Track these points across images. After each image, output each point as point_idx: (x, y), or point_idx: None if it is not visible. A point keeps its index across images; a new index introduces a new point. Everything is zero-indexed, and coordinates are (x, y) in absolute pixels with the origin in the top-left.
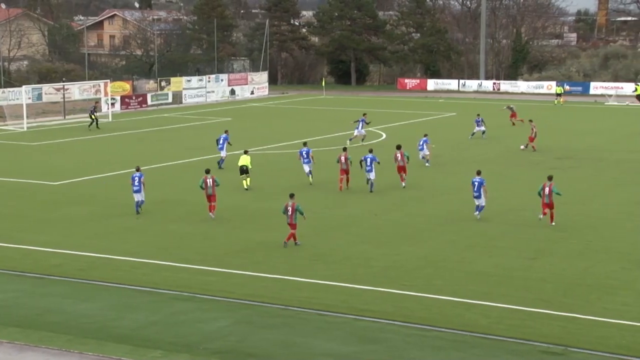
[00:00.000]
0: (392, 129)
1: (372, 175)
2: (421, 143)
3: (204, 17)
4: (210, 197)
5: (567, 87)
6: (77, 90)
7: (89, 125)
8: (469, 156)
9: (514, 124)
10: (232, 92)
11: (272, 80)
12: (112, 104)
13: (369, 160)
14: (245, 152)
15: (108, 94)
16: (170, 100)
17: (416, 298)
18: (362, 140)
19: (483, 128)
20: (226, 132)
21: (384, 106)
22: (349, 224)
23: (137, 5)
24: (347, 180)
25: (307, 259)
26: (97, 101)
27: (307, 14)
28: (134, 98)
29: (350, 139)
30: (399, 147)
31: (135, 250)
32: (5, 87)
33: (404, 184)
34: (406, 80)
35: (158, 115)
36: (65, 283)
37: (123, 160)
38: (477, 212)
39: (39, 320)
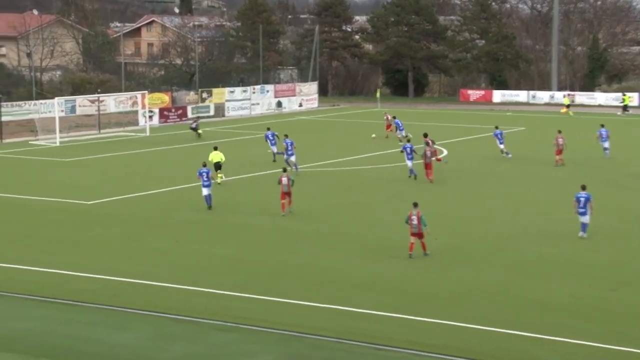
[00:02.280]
0: (454, 145)
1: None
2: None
3: (249, 23)
4: (285, 195)
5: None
6: (113, 102)
7: (198, 136)
8: (533, 173)
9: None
10: (279, 104)
11: (322, 92)
12: (150, 117)
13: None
14: (215, 148)
15: (146, 106)
16: (212, 112)
17: (475, 331)
18: (400, 141)
19: (502, 146)
20: (268, 129)
21: (445, 120)
22: (399, 248)
23: (177, 10)
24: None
25: (353, 285)
26: (198, 117)
27: (361, 19)
28: (173, 110)
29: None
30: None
31: (168, 274)
32: (37, 99)
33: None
34: (469, 92)
35: (204, 128)
36: (97, 310)
37: (160, 177)
38: (583, 232)
39: (69, 350)
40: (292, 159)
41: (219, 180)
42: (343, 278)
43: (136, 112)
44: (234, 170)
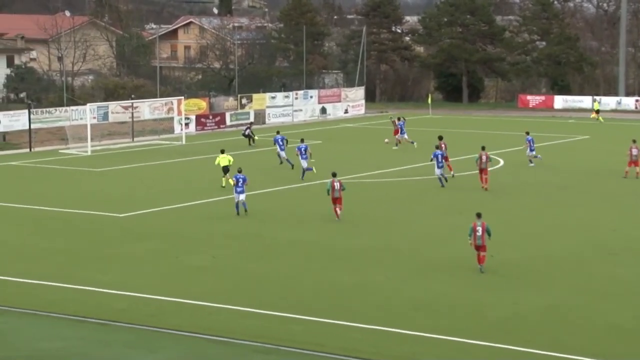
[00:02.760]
0: (512, 155)
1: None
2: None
3: (292, 25)
4: (336, 200)
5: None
6: (147, 109)
7: (250, 143)
8: (599, 185)
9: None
10: (323, 110)
11: (370, 97)
12: (186, 124)
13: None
14: (222, 152)
15: (182, 112)
16: (251, 119)
17: (542, 357)
18: (396, 145)
19: (534, 152)
20: (278, 132)
21: (502, 127)
22: (454, 264)
23: (215, 11)
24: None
25: (406, 306)
26: (251, 123)
27: (411, 19)
28: (210, 117)
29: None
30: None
31: (208, 293)
32: (68, 105)
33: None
34: (528, 97)
35: (238, 137)
36: (132, 330)
37: (196, 188)
38: None
39: None
40: (304, 164)
41: (224, 184)
42: (398, 297)
43: (172, 119)
44: (274, 181)
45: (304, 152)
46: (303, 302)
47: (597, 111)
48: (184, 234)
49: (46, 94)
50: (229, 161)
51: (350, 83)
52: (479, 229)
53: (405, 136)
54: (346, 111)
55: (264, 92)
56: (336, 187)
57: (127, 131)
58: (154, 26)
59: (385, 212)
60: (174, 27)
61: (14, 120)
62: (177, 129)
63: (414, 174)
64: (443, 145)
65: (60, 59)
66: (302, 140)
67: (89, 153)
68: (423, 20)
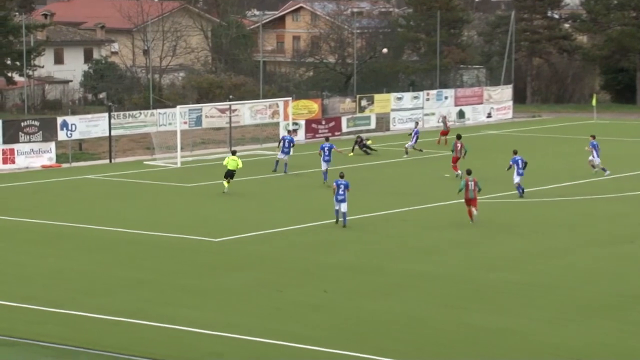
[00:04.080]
0: None
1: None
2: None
3: (423, 10)
4: (470, 201)
5: None
6: (248, 112)
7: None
8: None
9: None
10: (461, 114)
11: (519, 98)
12: (294, 131)
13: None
14: (234, 153)
15: (289, 117)
16: (373, 125)
17: None
18: (406, 153)
19: (597, 159)
20: (289, 132)
21: None
22: (613, 305)
23: None
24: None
25: (560, 356)
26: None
27: (572, 2)
28: (323, 123)
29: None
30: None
31: (319, 335)
32: (155, 107)
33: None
34: None
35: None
36: None
37: (305, 209)
38: None
39: None
40: (324, 166)
41: (225, 189)
42: (546, 346)
43: (277, 124)
44: (394, 200)
45: (327, 153)
46: (434, 349)
47: None
48: (290, 264)
49: (129, 95)
50: (237, 165)
51: (494, 81)
52: (471, 183)
53: (411, 143)
54: (489, 115)
55: (388, 92)
56: (470, 187)
57: (223, 139)
58: (256, 13)
59: (531, 240)
60: (281, 14)
61: (92, 126)
62: (282, 135)
63: (573, 193)
64: (459, 145)
65: (146, 52)
66: (327, 139)
67: (179, 165)
68: (587, 4)
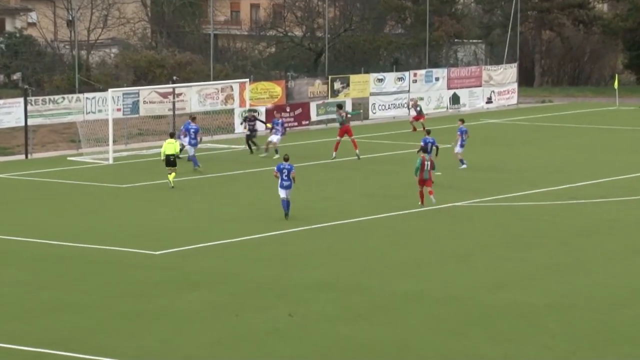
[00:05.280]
0: None
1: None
2: None
3: None
4: (425, 182)
5: None
6: (196, 97)
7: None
8: None
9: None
10: (455, 99)
11: (525, 80)
12: (253, 118)
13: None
14: (172, 135)
15: (246, 102)
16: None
17: None
18: (277, 151)
19: (459, 148)
20: (193, 118)
21: None
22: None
23: None
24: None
25: None
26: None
27: None
28: (288, 110)
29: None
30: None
31: None
32: (81, 91)
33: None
34: None
35: (329, 138)
36: None
37: (265, 215)
38: None
39: None
40: (192, 151)
41: (171, 184)
42: None
43: (231, 112)
44: (378, 205)
45: (193, 136)
46: None
47: None
48: (247, 281)
49: (50, 75)
50: (175, 150)
51: (496, 59)
52: (427, 163)
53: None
54: (489, 100)
55: (367, 72)
56: (426, 167)
57: (165, 129)
58: None
59: (542, 252)
60: None
61: (4, 114)
62: (239, 126)
63: (604, 193)
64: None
65: (70, 23)
66: (193, 119)
67: (111, 162)
68: None
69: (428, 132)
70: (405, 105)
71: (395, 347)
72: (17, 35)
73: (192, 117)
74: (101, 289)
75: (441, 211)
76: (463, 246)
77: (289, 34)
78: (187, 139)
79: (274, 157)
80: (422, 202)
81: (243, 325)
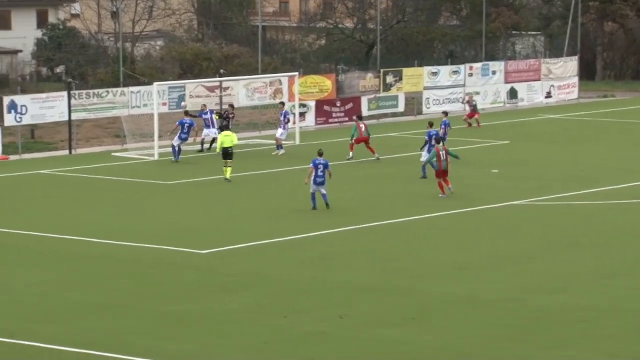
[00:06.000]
0: None
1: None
2: None
3: None
4: (444, 173)
5: None
6: (244, 92)
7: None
8: None
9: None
10: (513, 93)
11: (587, 74)
12: (302, 115)
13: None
14: (227, 128)
15: (295, 96)
16: (401, 108)
17: None
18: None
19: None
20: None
21: None
22: None
23: None
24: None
25: None
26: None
27: None
28: (339, 105)
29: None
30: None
31: None
32: (126, 85)
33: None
34: None
35: (380, 134)
36: None
37: (311, 212)
38: None
39: None
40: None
41: (228, 175)
42: None
43: (281, 106)
44: (416, 204)
45: (185, 130)
46: None
47: None
48: (292, 283)
49: (94, 69)
50: (232, 142)
51: (555, 51)
52: (443, 153)
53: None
54: (549, 95)
55: (421, 65)
56: (442, 157)
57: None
58: None
59: (600, 254)
60: None
61: (47, 108)
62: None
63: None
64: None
65: (115, 15)
66: (186, 113)
67: (157, 157)
68: None
69: (431, 125)
70: (461, 101)
71: (447, 352)
72: (61, 27)
73: (186, 112)
74: (142, 289)
75: (495, 211)
76: (518, 247)
77: (340, 25)
78: (178, 134)
79: (275, 154)
80: (443, 192)
81: (289, 327)
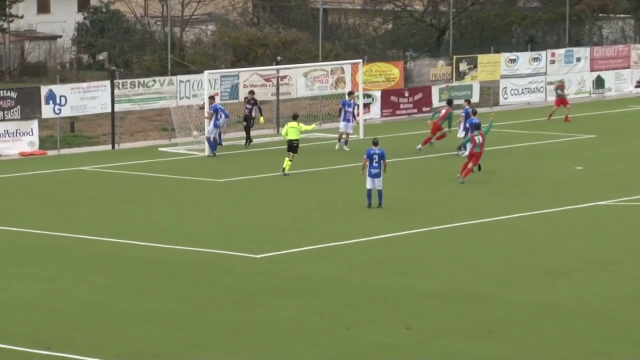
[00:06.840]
0: None
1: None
2: None
3: None
4: (477, 156)
5: None
6: (302, 80)
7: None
8: None
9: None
10: (599, 82)
11: None
12: (366, 106)
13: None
14: (295, 117)
15: (359, 85)
16: (475, 99)
17: None
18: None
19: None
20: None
21: None
22: None
23: None
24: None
25: None
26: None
27: None
28: (406, 95)
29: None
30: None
31: None
32: (174, 73)
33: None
34: None
35: (454, 127)
36: None
37: (376, 212)
38: None
39: None
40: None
41: (286, 169)
42: None
43: (342, 96)
44: (499, 201)
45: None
46: None
47: None
48: (357, 290)
49: (139, 55)
50: (299, 135)
51: None
52: (478, 138)
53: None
54: (639, 84)
55: (498, 51)
56: (478, 141)
57: (268, 116)
58: None
59: None
60: None
61: (89, 98)
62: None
63: None
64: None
65: None
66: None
67: (207, 153)
68: None
69: (468, 102)
70: (542, 90)
71: None
72: (103, 10)
73: (211, 97)
74: (194, 296)
75: (579, 211)
76: (605, 252)
77: (408, 8)
78: (213, 121)
79: (340, 149)
80: (463, 175)
81: (353, 339)
